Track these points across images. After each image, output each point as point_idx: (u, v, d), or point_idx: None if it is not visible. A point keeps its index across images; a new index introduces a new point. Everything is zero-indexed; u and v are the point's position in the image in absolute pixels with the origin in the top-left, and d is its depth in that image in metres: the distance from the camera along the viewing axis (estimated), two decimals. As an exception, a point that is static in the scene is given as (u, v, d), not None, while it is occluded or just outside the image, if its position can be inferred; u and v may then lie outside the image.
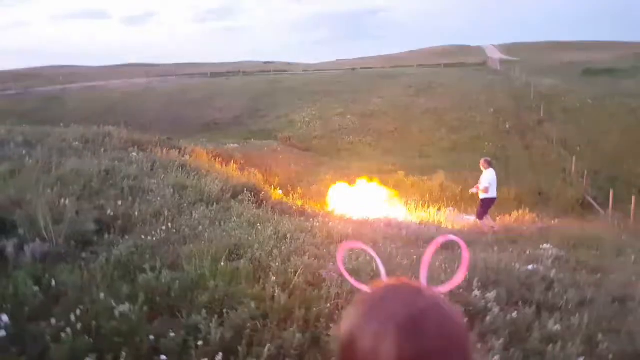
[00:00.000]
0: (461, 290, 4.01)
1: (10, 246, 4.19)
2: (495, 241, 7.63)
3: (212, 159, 12.30)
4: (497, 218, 10.80)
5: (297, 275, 3.88)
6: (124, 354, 2.62)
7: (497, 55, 65.23)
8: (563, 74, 35.51)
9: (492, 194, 9.23)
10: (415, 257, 4.94)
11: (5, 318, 2.89)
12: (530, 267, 5.17)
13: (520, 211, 11.50)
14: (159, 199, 6.32)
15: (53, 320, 2.89)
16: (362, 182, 13.20)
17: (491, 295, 3.94)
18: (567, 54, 49.45)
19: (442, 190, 15.18)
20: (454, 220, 10.84)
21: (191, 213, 5.96)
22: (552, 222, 10.81)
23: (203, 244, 4.52)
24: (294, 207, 8.27)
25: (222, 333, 2.96)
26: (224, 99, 35.04)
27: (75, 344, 2.71)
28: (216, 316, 3.08)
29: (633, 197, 11.67)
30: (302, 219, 7.03)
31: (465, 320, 3.15)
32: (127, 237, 4.83)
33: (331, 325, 3.13)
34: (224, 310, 3.22)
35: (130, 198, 6.21)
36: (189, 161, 9.81)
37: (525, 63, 45.88)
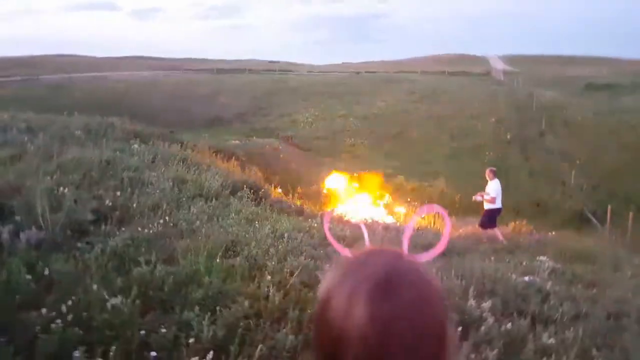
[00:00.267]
0: (457, 298, 3.99)
1: (5, 232, 4.17)
2: (492, 251, 7.62)
3: (214, 154, 12.28)
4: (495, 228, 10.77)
5: (292, 275, 3.86)
6: (114, 347, 2.59)
7: (500, 66, 65.25)
8: (565, 87, 35.54)
9: (498, 204, 9.21)
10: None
11: (-5, 305, 2.87)
12: (526, 278, 5.15)
13: (518, 222, 11.47)
14: (158, 191, 6.30)
15: (44, 310, 2.86)
16: (362, 184, 13.19)
17: (486, 304, 3.92)
18: (569, 68, 49.52)
19: (441, 197, 15.17)
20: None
21: (189, 207, 5.94)
22: (550, 234, 10.79)
23: (199, 239, 4.50)
24: (293, 206, 8.26)
25: (215, 331, 2.94)
26: (229, 95, 35.05)
27: (65, 335, 2.68)
28: (209, 313, 3.06)
29: (631, 214, 11.67)
30: (300, 218, 7.01)
31: (460, 328, 3.12)
32: (123, 228, 4.81)
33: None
34: (217, 308, 3.19)
35: (129, 189, 6.18)
36: (191, 155, 9.80)
37: (528, 75, 45.92)
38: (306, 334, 3.09)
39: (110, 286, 3.28)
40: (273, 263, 4.11)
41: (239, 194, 7.40)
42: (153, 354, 2.69)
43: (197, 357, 2.67)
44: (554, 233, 11.01)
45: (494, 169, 9.71)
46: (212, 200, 6.52)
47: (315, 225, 6.29)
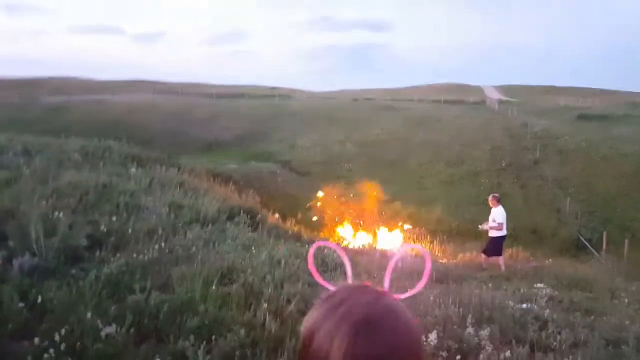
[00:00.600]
0: (455, 326, 3.96)
1: (-2, 258, 4.13)
2: (489, 278, 7.58)
3: (211, 178, 12.30)
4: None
5: (289, 303, 3.82)
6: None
7: (495, 95, 66.48)
8: (558, 117, 36.11)
9: (504, 231, 9.07)
10: (409, 290, 4.88)
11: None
12: (524, 305, 5.12)
13: (514, 249, 11.46)
14: (154, 217, 6.28)
15: (37, 339, 2.82)
16: (359, 211, 13.17)
17: (485, 332, 3.88)
18: (562, 98, 50.53)
19: (438, 223, 15.16)
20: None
21: (185, 233, 5.92)
22: (546, 261, 10.76)
23: (195, 266, 4.47)
24: (290, 232, 8.23)
25: (210, 360, 2.89)
26: (228, 120, 35.34)
27: (58, 364, 2.63)
28: (204, 342, 3.01)
29: (626, 241, 11.68)
30: (298, 244, 6.98)
31: (458, 357, 3.07)
32: (118, 254, 4.77)
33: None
34: (213, 337, 3.15)
35: (125, 214, 6.16)
36: (188, 180, 9.80)
37: (522, 104, 46.73)
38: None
39: (105, 314, 3.24)
40: (270, 290, 4.07)
41: (235, 219, 7.38)
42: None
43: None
44: (550, 260, 10.99)
45: (497, 195, 9.54)
46: (208, 225, 6.50)
47: (326, 252, 6.26)
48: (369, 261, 6.83)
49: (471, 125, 30.95)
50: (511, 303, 5.04)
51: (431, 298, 4.70)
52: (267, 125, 34.17)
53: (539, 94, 70.87)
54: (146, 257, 4.70)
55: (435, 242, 11.70)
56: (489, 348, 3.72)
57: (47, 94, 45.24)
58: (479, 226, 9.78)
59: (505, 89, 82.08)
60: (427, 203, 17.88)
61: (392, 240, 11.38)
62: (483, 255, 9.29)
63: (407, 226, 13.32)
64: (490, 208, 9.28)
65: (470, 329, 3.93)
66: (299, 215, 12.29)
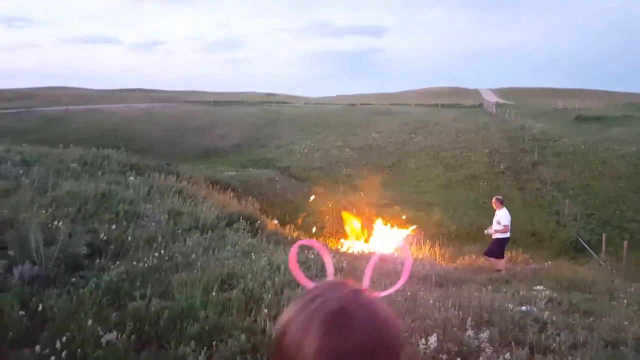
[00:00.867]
0: (455, 329, 3.97)
1: (-1, 267, 4.14)
2: (488, 281, 7.59)
3: (210, 185, 12.31)
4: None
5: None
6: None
7: (492, 98, 66.83)
8: (556, 119, 36.29)
9: (508, 233, 9.01)
10: (409, 293, 4.90)
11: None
12: (523, 308, 5.13)
13: (514, 251, 11.48)
14: (153, 224, 6.29)
15: (38, 347, 2.83)
16: (359, 215, 13.19)
17: (484, 335, 3.90)
18: (559, 100, 50.76)
19: (437, 226, 15.18)
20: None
21: (185, 240, 5.93)
22: (546, 263, 10.79)
23: (195, 273, 4.48)
24: (289, 238, 8.24)
25: (211, 366, 2.90)
26: (225, 127, 35.44)
27: (59, 372, 2.64)
28: (205, 348, 3.02)
29: (625, 242, 11.70)
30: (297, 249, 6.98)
31: (458, 359, 3.09)
32: (118, 262, 4.78)
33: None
34: (214, 342, 3.16)
35: (124, 222, 6.17)
36: (186, 187, 9.82)
37: (519, 107, 46.97)
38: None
39: (105, 321, 3.25)
40: (270, 296, 4.09)
41: (235, 225, 7.39)
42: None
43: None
44: (549, 262, 11.01)
45: (501, 197, 9.45)
46: (208, 232, 6.51)
47: (312, 257, 6.27)
48: (367, 264, 6.82)
49: (469, 129, 31.07)
50: (511, 305, 5.05)
51: (431, 301, 4.71)
52: (265, 131, 34.27)
53: (536, 96, 71.34)
54: (146, 265, 4.71)
55: (434, 246, 11.71)
56: (489, 350, 3.73)
57: (45, 104, 45.32)
58: (485, 231, 9.63)
59: (503, 92, 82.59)
60: (426, 207, 17.92)
61: (389, 237, 11.38)
62: (492, 259, 9.08)
63: (412, 227, 13.35)
64: (495, 210, 9.18)
65: (470, 332, 3.94)
66: (299, 221, 12.32)
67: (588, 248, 13.74)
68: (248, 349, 3.19)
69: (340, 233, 12.24)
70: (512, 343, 3.94)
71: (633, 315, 5.58)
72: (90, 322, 3.16)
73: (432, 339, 3.60)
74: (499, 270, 8.76)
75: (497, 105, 50.57)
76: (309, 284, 0.72)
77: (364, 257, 7.92)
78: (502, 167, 23.09)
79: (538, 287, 6.91)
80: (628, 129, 28.57)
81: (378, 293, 0.71)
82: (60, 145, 12.73)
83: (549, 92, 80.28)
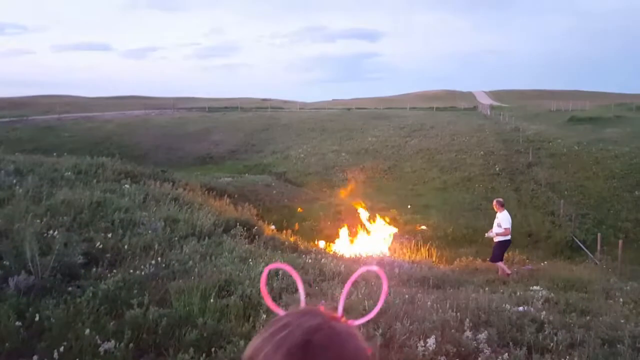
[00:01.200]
0: (453, 330, 3.98)
1: (-6, 278, 4.11)
2: (485, 282, 7.62)
3: (206, 192, 12.29)
4: (488, 259, 10.80)
5: (295, 304, 3.82)
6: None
7: (487, 100, 67.34)
8: (549, 120, 36.56)
9: (509, 235, 8.91)
10: (407, 296, 4.91)
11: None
12: (520, 308, 5.16)
13: (510, 253, 11.52)
14: (149, 232, 6.28)
15: (35, 358, 2.81)
16: (355, 219, 13.20)
17: (482, 336, 3.91)
18: (552, 101, 51.17)
19: (433, 229, 15.22)
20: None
21: (182, 247, 5.91)
22: (542, 263, 10.83)
23: (193, 280, 4.47)
24: (287, 243, 8.24)
25: (209, 372, 2.89)
26: (221, 133, 35.41)
27: (57, 381, 2.63)
28: (204, 355, 3.02)
29: (620, 241, 11.78)
30: (295, 255, 6.99)
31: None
32: (115, 271, 4.77)
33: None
34: (212, 349, 3.15)
35: (120, 231, 6.16)
36: (182, 194, 9.80)
37: (513, 109, 47.30)
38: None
39: (103, 330, 3.23)
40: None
41: (232, 231, 7.39)
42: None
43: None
44: (545, 262, 11.06)
45: (501, 200, 9.32)
46: (204, 239, 6.50)
47: (310, 261, 6.28)
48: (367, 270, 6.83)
49: (464, 132, 31.22)
50: (508, 306, 5.07)
51: (429, 303, 4.72)
52: (261, 137, 34.27)
53: (530, 98, 71.87)
54: (143, 273, 4.69)
55: (431, 248, 11.74)
56: (487, 351, 3.74)
57: (38, 113, 45.13)
58: (486, 234, 9.48)
59: (497, 94, 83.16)
60: (422, 210, 17.96)
61: (382, 234, 11.40)
62: (499, 266, 8.93)
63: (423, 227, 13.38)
64: (495, 213, 9.06)
65: (468, 333, 3.96)
66: (296, 226, 12.31)
67: (583, 248, 13.81)
68: (247, 355, 3.18)
69: (336, 235, 12.24)
70: (510, 343, 3.95)
71: (629, 314, 5.62)
72: (87, 331, 3.14)
73: (431, 341, 3.61)
74: (508, 274, 8.68)
75: (492, 107, 50.92)
76: (279, 311, 0.68)
77: (361, 261, 7.94)
78: (497, 169, 23.19)
79: (535, 287, 6.95)
80: (621, 130, 28.82)
81: (352, 321, 0.67)
82: (54, 154, 12.70)
83: (543, 94, 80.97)
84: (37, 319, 3.38)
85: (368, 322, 0.71)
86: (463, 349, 3.69)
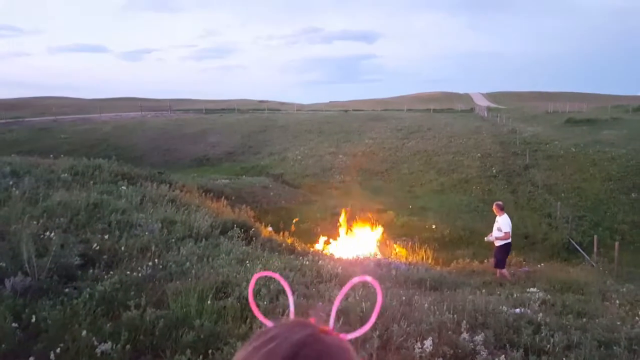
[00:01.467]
0: (450, 332, 3.99)
1: (-9, 279, 4.10)
2: (482, 284, 7.63)
3: (203, 194, 12.27)
4: (485, 260, 10.83)
5: (285, 315, 3.83)
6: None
7: (484, 102, 67.61)
8: (546, 122, 36.71)
9: (509, 238, 8.79)
10: (404, 298, 4.92)
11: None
12: (517, 310, 5.17)
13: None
14: (146, 233, 6.27)
15: (31, 359, 2.80)
16: (353, 221, 13.20)
17: (479, 338, 3.92)
18: (549, 103, 51.37)
19: (431, 231, 15.24)
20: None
21: (179, 249, 5.91)
22: (538, 265, 10.87)
23: (190, 281, 4.47)
24: (284, 245, 8.23)
25: (207, 374, 2.89)
26: (217, 135, 35.38)
27: (53, 383, 2.62)
28: (201, 357, 3.01)
29: (617, 243, 11.82)
30: (292, 256, 6.99)
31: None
32: (112, 272, 4.75)
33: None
34: (210, 351, 3.15)
35: (117, 232, 6.14)
36: (179, 196, 9.78)
37: (510, 111, 47.46)
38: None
39: (100, 332, 3.23)
40: (265, 303, 4.08)
41: (229, 233, 7.38)
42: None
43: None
44: (542, 264, 11.10)
45: (501, 203, 9.19)
46: (201, 240, 6.49)
47: (307, 263, 6.28)
48: (362, 269, 6.85)
49: (461, 133, 31.30)
50: (505, 308, 5.08)
51: (426, 305, 4.73)
52: (258, 139, 34.26)
53: (527, 100, 72.15)
54: (140, 274, 4.68)
55: (428, 250, 11.75)
56: (484, 353, 3.75)
57: (34, 115, 44.99)
58: (485, 238, 9.33)
59: (494, 96, 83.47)
60: (419, 212, 17.98)
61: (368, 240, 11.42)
62: (500, 271, 8.79)
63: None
64: (495, 216, 8.95)
65: (465, 335, 3.97)
66: (293, 228, 12.30)
67: (580, 250, 13.85)
68: (244, 357, 3.18)
69: (334, 236, 12.23)
70: (507, 345, 3.97)
71: (625, 316, 5.64)
72: (84, 332, 3.14)
73: (428, 343, 3.62)
74: (505, 276, 8.64)
75: (489, 109, 51.09)
76: (268, 322, 0.66)
77: (358, 263, 7.94)
78: (494, 171, 23.25)
79: (531, 289, 6.97)
80: (618, 132, 28.95)
81: (344, 335, 0.64)
82: (51, 156, 12.64)
83: (540, 96, 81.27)
84: (33, 320, 3.37)
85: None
86: (460, 351, 3.70)
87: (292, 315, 0.69)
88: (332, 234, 12.52)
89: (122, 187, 9.21)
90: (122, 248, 5.54)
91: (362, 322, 0.69)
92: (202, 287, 4.27)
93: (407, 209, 18.08)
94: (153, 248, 5.64)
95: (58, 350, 2.86)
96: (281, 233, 10.43)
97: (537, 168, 23.33)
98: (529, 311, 5.15)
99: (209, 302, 3.95)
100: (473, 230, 15.12)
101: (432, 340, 3.68)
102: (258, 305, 3.57)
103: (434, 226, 15.55)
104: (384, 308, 4.34)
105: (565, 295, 6.58)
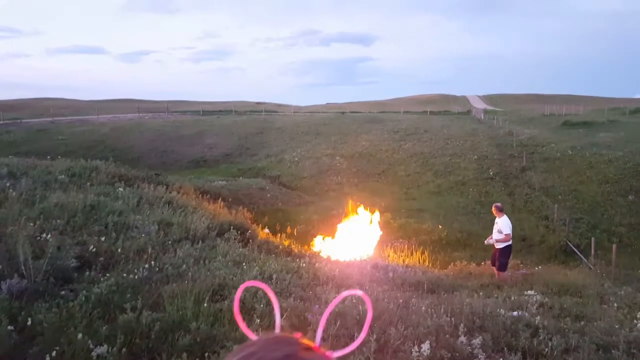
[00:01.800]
0: (447, 336, 3.98)
1: (-14, 281, 4.06)
2: (480, 287, 7.63)
3: (200, 195, 12.24)
4: (482, 263, 10.83)
5: (282, 317, 3.81)
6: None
7: (480, 105, 67.83)
8: (543, 125, 36.86)
9: (510, 240, 8.71)
10: (401, 300, 4.91)
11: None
12: (515, 313, 5.17)
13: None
14: (143, 235, 6.24)
15: (26, 362, 2.78)
16: (349, 223, 13.17)
17: (477, 341, 3.92)
18: (546, 106, 51.57)
19: (428, 233, 15.24)
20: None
21: (175, 251, 5.88)
22: (536, 268, 10.88)
23: (186, 284, 4.44)
24: (281, 247, 8.21)
25: (203, 378, 2.87)
26: (215, 136, 35.35)
27: (48, 387, 2.60)
28: None
29: (614, 246, 11.84)
30: (289, 259, 6.97)
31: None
32: (108, 274, 4.73)
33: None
34: (206, 354, 3.13)
35: (114, 234, 6.12)
36: (176, 198, 9.75)
37: (507, 113, 47.64)
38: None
39: (96, 335, 3.20)
40: (262, 306, 4.06)
41: (225, 235, 7.35)
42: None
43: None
44: (539, 267, 11.11)
45: (500, 204, 9.05)
46: (198, 242, 6.47)
47: (304, 265, 6.26)
48: (359, 272, 6.84)
49: (458, 136, 31.37)
50: (502, 311, 5.08)
51: (423, 308, 4.72)
52: (255, 140, 34.25)
53: (523, 103, 72.43)
54: (136, 276, 4.66)
55: (425, 253, 11.75)
56: (482, 356, 3.75)
57: (31, 116, 44.84)
58: (485, 241, 9.19)
59: (490, 99, 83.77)
60: (416, 214, 17.99)
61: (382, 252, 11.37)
62: (500, 273, 8.70)
63: None
64: (495, 218, 8.85)
65: (462, 338, 3.96)
66: (289, 230, 12.28)
67: (577, 252, 13.87)
68: (241, 360, 3.16)
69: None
70: (505, 349, 3.96)
71: (623, 319, 5.63)
72: (80, 335, 3.11)
73: (425, 346, 3.61)
74: (503, 279, 8.62)
75: (485, 111, 51.24)
76: (251, 335, 0.64)
77: (355, 265, 7.92)
78: (491, 173, 23.29)
79: (529, 292, 6.97)
80: (614, 134, 29.07)
81: (330, 353, 0.62)
82: (48, 157, 12.59)
83: (536, 98, 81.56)
84: (29, 323, 3.34)
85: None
86: (457, 355, 3.69)
87: (277, 329, 0.66)
88: (330, 234, 12.50)
89: (119, 189, 9.17)
90: (119, 250, 5.52)
91: (359, 325, 0.67)
92: (199, 289, 4.25)
93: (404, 211, 18.09)
94: (149, 250, 5.62)
95: (54, 353, 2.84)
96: (278, 235, 10.41)
97: (534, 170, 23.39)
98: (526, 314, 5.15)
99: (205, 304, 3.93)
100: (470, 233, 15.13)
101: (430, 343, 3.67)
102: (255, 309, 3.54)
103: (431, 228, 15.55)
104: (381, 311, 4.33)
105: (563, 298, 6.58)
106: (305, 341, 0.60)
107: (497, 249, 8.75)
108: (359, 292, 0.71)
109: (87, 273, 4.67)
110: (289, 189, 22.12)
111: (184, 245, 6.14)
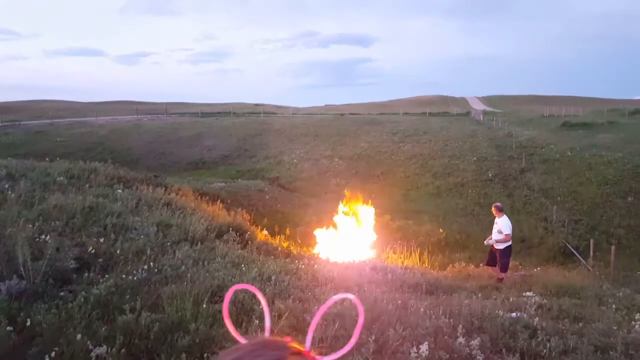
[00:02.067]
0: (446, 337, 3.99)
1: (-15, 283, 4.07)
2: (478, 288, 7.64)
3: (199, 197, 12.24)
4: (480, 264, 10.84)
5: (281, 318, 3.82)
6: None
7: (479, 106, 67.96)
8: (542, 126, 36.93)
9: (510, 241, 8.69)
10: (400, 302, 4.92)
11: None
12: (513, 314, 5.18)
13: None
14: (142, 237, 6.24)
15: (25, 363, 2.78)
16: (349, 224, 13.18)
17: (475, 342, 3.92)
18: (545, 107, 51.69)
19: (427, 235, 15.25)
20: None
21: (174, 252, 5.88)
22: (535, 269, 10.89)
23: (185, 285, 4.45)
24: (279, 248, 8.21)
25: (202, 379, 2.87)
26: (213, 138, 35.35)
27: (47, 388, 2.60)
28: (196, 360, 3.00)
29: (613, 247, 11.86)
30: (287, 260, 6.97)
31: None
32: (107, 275, 4.73)
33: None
34: (205, 355, 3.14)
35: (112, 236, 6.12)
36: (175, 199, 9.75)
37: (506, 115, 47.72)
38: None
39: (95, 336, 3.21)
40: (260, 307, 4.07)
41: (224, 237, 7.35)
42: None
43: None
44: (538, 268, 11.13)
45: (499, 205, 9.03)
46: (197, 244, 6.47)
47: (303, 267, 6.27)
48: (358, 274, 6.84)
49: (457, 137, 31.42)
50: (501, 312, 5.09)
51: (421, 309, 4.73)
52: (253, 142, 34.27)
53: (522, 104, 72.59)
54: (135, 278, 4.66)
55: (424, 254, 11.76)
56: (480, 358, 3.75)
57: (30, 118, 44.82)
58: (485, 242, 9.16)
59: (490, 100, 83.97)
60: (415, 215, 18.01)
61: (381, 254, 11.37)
62: (500, 273, 8.73)
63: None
64: (495, 218, 8.83)
65: (461, 339, 3.96)
66: (288, 232, 12.28)
67: (576, 254, 13.90)
68: (240, 361, 3.16)
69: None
70: (503, 350, 3.97)
71: (622, 320, 5.65)
72: (79, 336, 3.12)
73: (424, 348, 3.61)
74: (500, 280, 8.65)
75: (484, 113, 51.32)
76: (240, 339, 0.63)
77: (354, 267, 7.93)
78: (490, 175, 23.33)
79: (528, 293, 6.99)
80: (614, 135, 29.13)
81: (320, 358, 0.61)
82: (47, 159, 12.59)
83: (536, 99, 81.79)
84: (28, 324, 3.34)
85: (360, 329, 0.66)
86: (456, 356, 3.70)
87: (267, 332, 0.66)
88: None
89: (118, 191, 9.17)
90: (118, 251, 5.52)
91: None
92: (198, 290, 4.26)
93: (403, 213, 18.10)
94: (148, 251, 5.62)
95: (53, 354, 2.84)
96: (277, 236, 10.41)
97: (533, 172, 23.43)
98: (525, 315, 5.16)
99: (204, 305, 3.94)
100: (469, 234, 15.17)
101: (428, 344, 3.68)
102: (254, 310, 3.57)
103: (430, 229, 15.57)
104: (380, 312, 4.34)
105: (562, 300, 6.59)
106: (295, 345, 0.59)
107: (496, 249, 8.74)
108: (351, 296, 0.70)
109: (86, 274, 4.67)
110: (287, 190, 22.13)
111: (182, 247, 6.14)
